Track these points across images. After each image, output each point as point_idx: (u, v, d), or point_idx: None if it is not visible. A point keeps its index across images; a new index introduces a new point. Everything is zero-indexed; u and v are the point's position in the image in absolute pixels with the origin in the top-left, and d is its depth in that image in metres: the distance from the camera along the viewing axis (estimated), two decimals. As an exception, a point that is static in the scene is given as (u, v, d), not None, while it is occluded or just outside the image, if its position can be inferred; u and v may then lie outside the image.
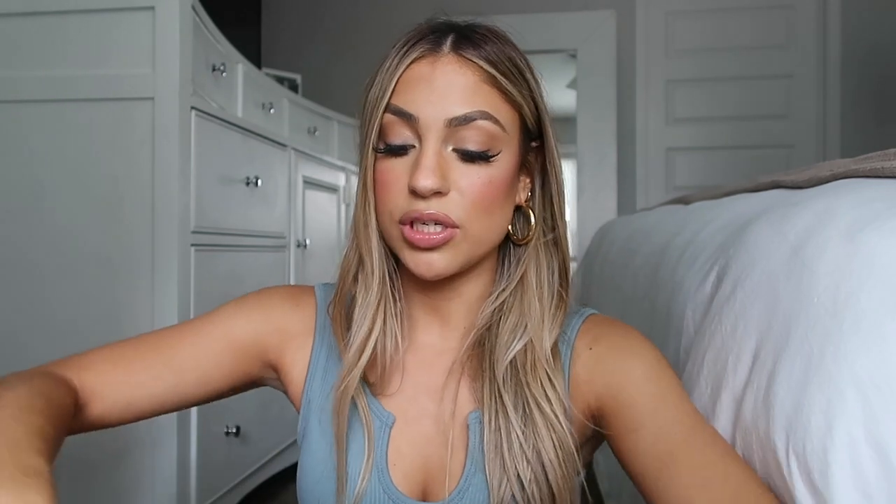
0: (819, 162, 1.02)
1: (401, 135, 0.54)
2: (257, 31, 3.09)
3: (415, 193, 0.53)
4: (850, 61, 2.95)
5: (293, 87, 2.87)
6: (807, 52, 3.00)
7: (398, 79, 0.53)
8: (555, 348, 0.62)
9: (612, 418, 0.59)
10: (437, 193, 0.53)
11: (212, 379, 0.65)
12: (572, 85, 3.55)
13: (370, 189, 0.56)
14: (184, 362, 0.64)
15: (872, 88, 2.93)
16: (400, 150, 0.54)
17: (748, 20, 3.04)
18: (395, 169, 0.54)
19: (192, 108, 1.40)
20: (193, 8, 1.43)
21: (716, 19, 3.07)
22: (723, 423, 0.63)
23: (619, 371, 0.59)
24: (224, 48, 1.69)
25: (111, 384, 0.61)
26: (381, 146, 0.55)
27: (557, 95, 4.44)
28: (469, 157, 0.53)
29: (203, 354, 0.64)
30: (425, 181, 0.51)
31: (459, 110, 0.52)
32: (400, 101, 0.53)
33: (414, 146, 0.54)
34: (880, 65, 2.91)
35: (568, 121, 3.43)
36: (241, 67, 1.80)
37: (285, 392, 0.70)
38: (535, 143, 0.60)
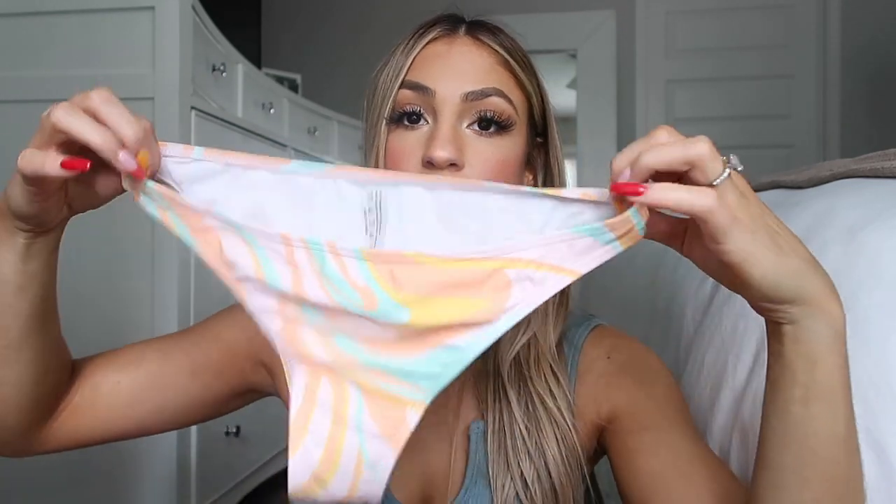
0: (819, 162, 1.02)
1: (415, 109, 0.53)
2: (257, 31, 3.09)
3: (430, 165, 0.51)
4: (850, 61, 2.95)
5: (293, 87, 2.87)
6: (807, 52, 3.00)
7: (415, 57, 0.53)
8: (559, 349, 0.62)
9: (619, 425, 0.58)
10: (452, 166, 0.51)
11: (209, 380, 0.64)
12: (572, 85, 3.55)
13: (381, 165, 0.55)
14: (179, 364, 0.63)
15: (872, 88, 2.93)
16: (414, 118, 0.53)
17: (748, 20, 3.03)
18: (408, 141, 0.53)
19: (192, 108, 1.40)
20: (193, 8, 1.43)
21: (715, 19, 3.07)
22: (722, 423, 0.63)
23: (644, 384, 0.59)
24: (224, 48, 1.69)
25: (104, 372, 0.62)
26: (395, 114, 0.54)
27: (557, 95, 4.43)
28: (486, 123, 0.52)
29: (198, 357, 0.64)
30: (441, 151, 0.50)
31: (475, 86, 0.52)
32: (416, 77, 0.53)
33: (428, 122, 0.53)
34: (880, 65, 2.91)
35: (568, 121, 3.43)
36: (241, 67, 1.80)
37: (280, 396, 0.68)
38: (540, 139, 0.60)
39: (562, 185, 0.59)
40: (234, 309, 0.68)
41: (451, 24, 0.55)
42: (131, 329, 1.35)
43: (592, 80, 3.12)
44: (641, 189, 0.38)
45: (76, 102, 0.42)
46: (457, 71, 0.52)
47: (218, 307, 0.72)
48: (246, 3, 2.98)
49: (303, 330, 0.47)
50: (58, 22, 1.39)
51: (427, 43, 0.53)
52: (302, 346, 0.47)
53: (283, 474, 1.95)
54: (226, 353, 0.65)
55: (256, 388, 0.69)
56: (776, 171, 1.04)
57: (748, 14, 3.03)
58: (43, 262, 0.52)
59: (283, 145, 1.92)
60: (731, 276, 0.41)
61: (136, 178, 0.43)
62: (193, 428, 1.45)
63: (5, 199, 0.46)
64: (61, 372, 0.59)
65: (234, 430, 1.61)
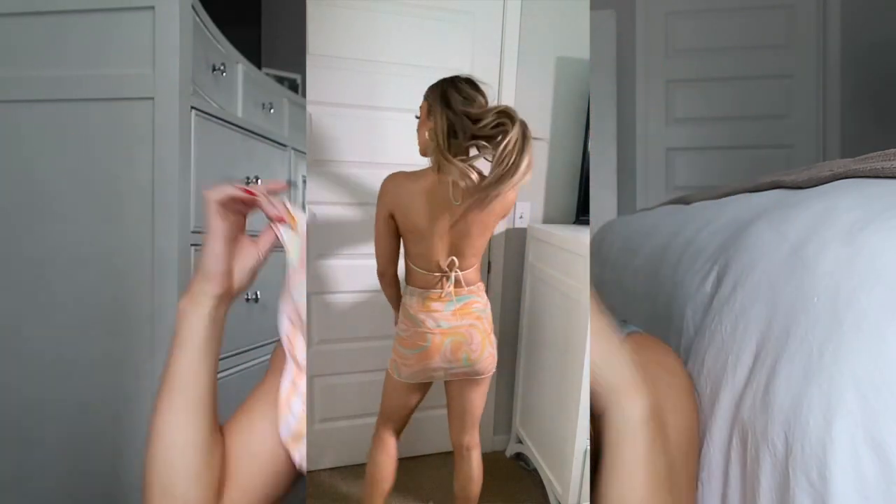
0: (819, 162, 1.02)
1: None
2: (257, 31, 3.09)
3: None
4: (850, 61, 2.95)
5: (293, 87, 2.87)
6: (807, 52, 3.00)
7: None
8: None
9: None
10: None
11: None
12: (572, 85, 3.54)
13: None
14: None
15: (872, 88, 2.93)
16: None
17: (748, 20, 3.04)
18: None
19: (192, 108, 1.40)
20: (193, 8, 1.43)
21: (716, 19, 3.07)
22: (722, 423, 0.63)
23: (657, 392, 0.60)
24: (224, 48, 1.69)
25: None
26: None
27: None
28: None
29: None
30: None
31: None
32: None
33: None
34: (880, 64, 2.91)
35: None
36: (241, 67, 1.80)
37: None
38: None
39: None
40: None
41: None
42: (131, 329, 1.35)
43: (592, 81, 3.12)
44: None
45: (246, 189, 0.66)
46: None
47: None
48: (246, 3, 2.98)
49: (298, 337, 0.67)
50: (57, 22, 1.39)
51: None
52: (297, 350, 0.66)
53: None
54: None
55: None
56: (776, 171, 1.04)
57: (748, 14, 3.03)
58: (220, 329, 0.63)
59: (284, 146, 1.92)
60: None
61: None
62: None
63: (198, 269, 0.63)
64: (219, 444, 0.64)
65: (234, 430, 1.61)
